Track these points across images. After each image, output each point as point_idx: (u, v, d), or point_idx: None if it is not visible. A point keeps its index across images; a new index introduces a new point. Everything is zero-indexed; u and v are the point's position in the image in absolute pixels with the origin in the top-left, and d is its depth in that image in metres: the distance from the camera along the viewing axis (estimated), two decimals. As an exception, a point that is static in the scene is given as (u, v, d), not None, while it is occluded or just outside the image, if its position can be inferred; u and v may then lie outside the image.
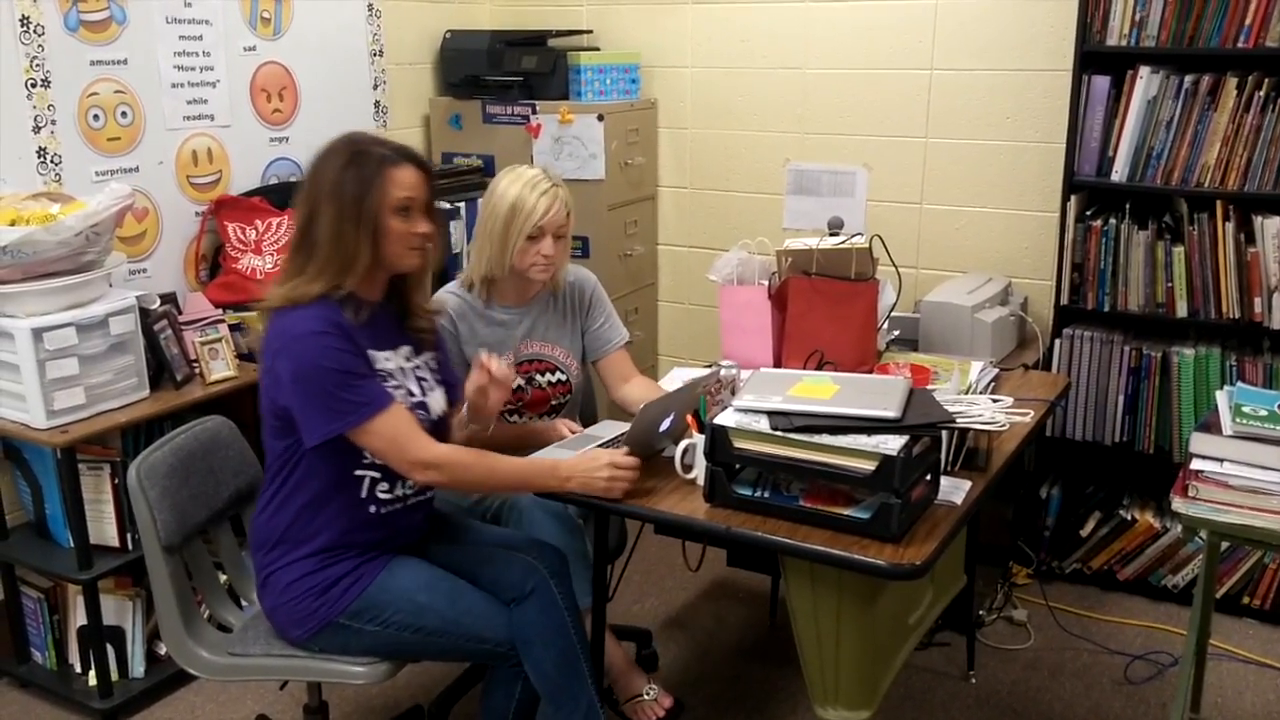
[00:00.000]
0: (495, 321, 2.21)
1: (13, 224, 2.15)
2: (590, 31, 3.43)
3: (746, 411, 1.74)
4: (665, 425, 1.95)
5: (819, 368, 2.19)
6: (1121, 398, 2.74)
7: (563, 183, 2.17)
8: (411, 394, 1.82)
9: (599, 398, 2.55)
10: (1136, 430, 2.76)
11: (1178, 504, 1.78)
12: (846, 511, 1.66)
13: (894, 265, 2.43)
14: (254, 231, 2.74)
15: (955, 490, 1.79)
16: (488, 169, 3.34)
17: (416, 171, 1.76)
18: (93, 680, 2.42)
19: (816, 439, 1.65)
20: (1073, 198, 2.68)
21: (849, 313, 2.28)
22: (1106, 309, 2.71)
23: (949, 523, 1.70)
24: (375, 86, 3.25)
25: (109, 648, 2.42)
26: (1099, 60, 2.63)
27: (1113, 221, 2.67)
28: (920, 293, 2.87)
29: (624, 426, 2.09)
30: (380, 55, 3.25)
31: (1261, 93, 2.46)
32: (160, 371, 2.45)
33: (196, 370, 2.49)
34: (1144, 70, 2.57)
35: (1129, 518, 2.83)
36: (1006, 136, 2.97)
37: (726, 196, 3.40)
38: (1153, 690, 2.46)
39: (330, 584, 1.78)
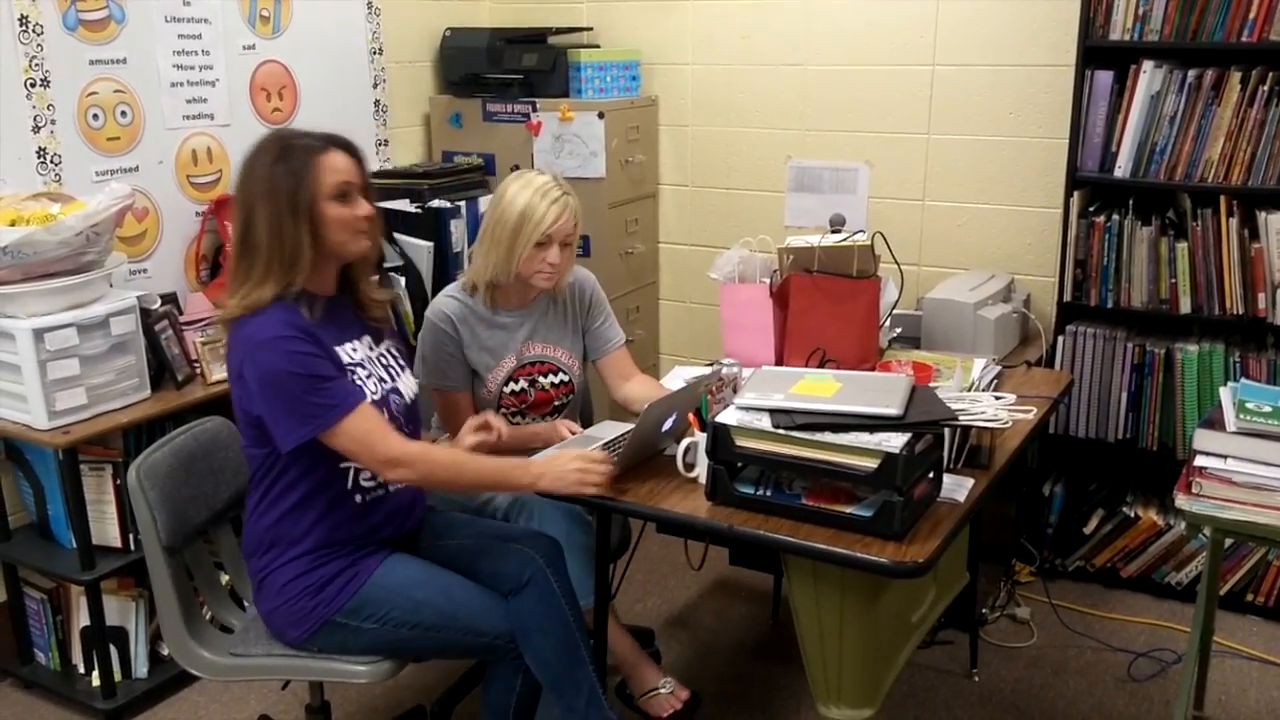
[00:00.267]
0: (497, 325, 2.20)
1: (13, 224, 2.15)
2: (590, 29, 3.43)
3: (748, 410, 1.74)
4: (668, 424, 1.94)
5: (821, 365, 2.18)
6: (1125, 394, 2.73)
7: (572, 190, 2.16)
8: (384, 380, 1.83)
9: (596, 397, 2.55)
10: (1140, 427, 2.75)
11: (1181, 501, 1.77)
12: (849, 509, 1.66)
13: (896, 262, 2.42)
14: (254, 231, 2.74)
15: (958, 488, 1.79)
16: (488, 167, 3.33)
17: (347, 156, 1.75)
18: (96, 681, 2.42)
19: (819, 437, 1.65)
20: (1075, 194, 2.67)
21: (851, 310, 2.27)
22: (1109, 305, 2.70)
23: (951, 520, 1.70)
24: (375, 85, 3.25)
25: (112, 648, 2.42)
26: (1102, 55, 2.62)
27: (1116, 217, 2.66)
28: (922, 290, 2.86)
29: (625, 427, 2.09)
30: (380, 53, 3.24)
31: (1265, 87, 2.45)
32: (161, 372, 2.45)
33: (197, 370, 2.49)
34: (1147, 65, 2.56)
35: (1132, 515, 2.82)
36: (1009, 132, 2.96)
37: (727, 194, 3.39)
38: (1156, 688, 2.45)
39: (325, 582, 1.78)
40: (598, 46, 3.38)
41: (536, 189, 2.11)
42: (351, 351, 1.80)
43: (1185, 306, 2.62)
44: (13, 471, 2.49)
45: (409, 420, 1.89)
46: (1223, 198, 2.53)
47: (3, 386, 2.26)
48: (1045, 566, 2.91)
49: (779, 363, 2.34)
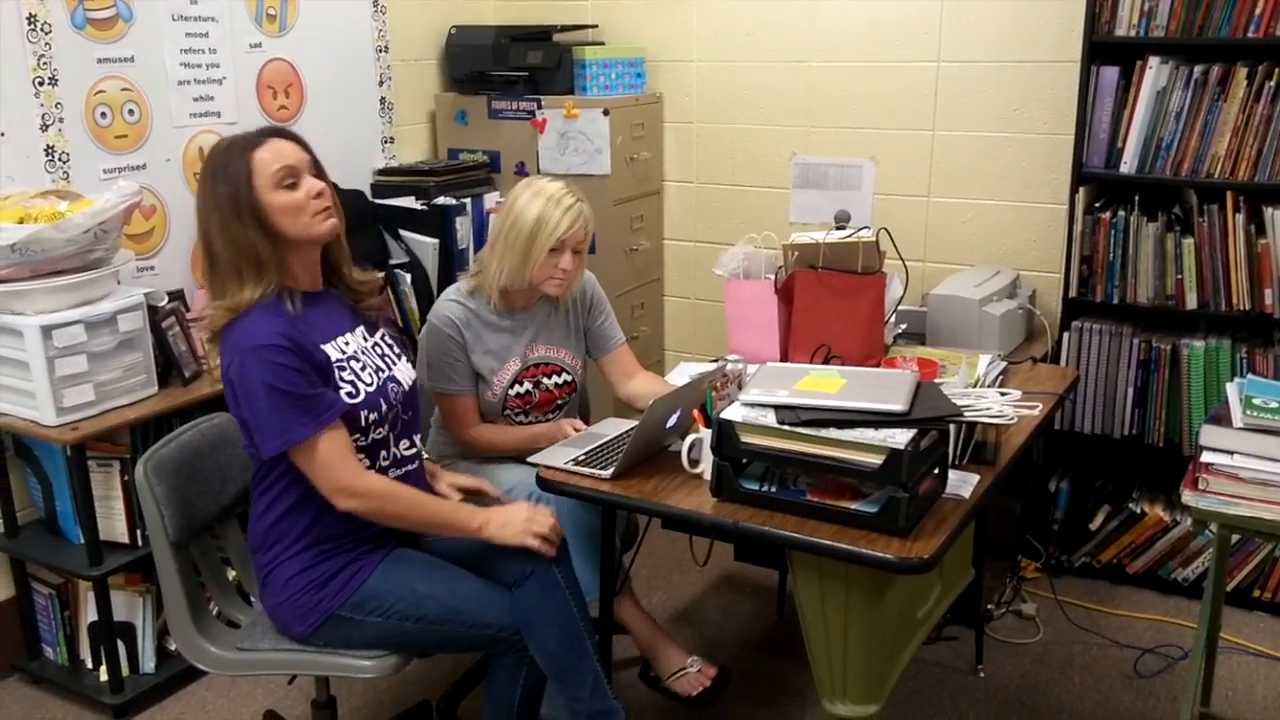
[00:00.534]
0: (501, 328, 2.21)
1: (21, 222, 2.16)
2: (595, 26, 3.43)
3: (753, 406, 1.74)
4: (672, 421, 1.95)
5: (826, 362, 2.18)
6: (1131, 390, 2.73)
7: (584, 197, 2.17)
8: (380, 370, 1.83)
9: (598, 394, 2.55)
10: (1146, 423, 2.74)
11: (1188, 497, 1.77)
12: (854, 506, 1.66)
13: (901, 258, 2.42)
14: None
15: (963, 484, 1.79)
16: (494, 165, 3.34)
17: (282, 142, 1.73)
18: (104, 675, 2.43)
19: (824, 433, 1.65)
20: (1081, 189, 2.67)
21: (856, 306, 2.27)
22: (1115, 301, 2.70)
23: (957, 516, 1.70)
24: (381, 83, 3.25)
25: (120, 643, 2.44)
26: (1107, 51, 2.61)
27: (1121, 213, 2.65)
28: (928, 286, 2.86)
29: (629, 424, 2.10)
30: (385, 51, 3.25)
31: (1272, 83, 2.44)
32: (168, 368, 2.46)
33: (204, 367, 2.50)
34: (1153, 60, 2.55)
35: (1138, 511, 2.82)
36: (1014, 128, 2.95)
37: (732, 191, 3.39)
38: (1163, 684, 2.45)
39: (329, 577, 1.79)
40: (602, 44, 3.38)
41: (550, 197, 2.12)
42: (344, 345, 1.80)
43: (1191, 302, 2.62)
44: (21, 468, 2.50)
45: (408, 407, 1.89)
46: (1229, 193, 2.52)
47: (11, 383, 2.27)
48: (1051, 562, 2.91)
49: (784, 359, 2.34)
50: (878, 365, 2.20)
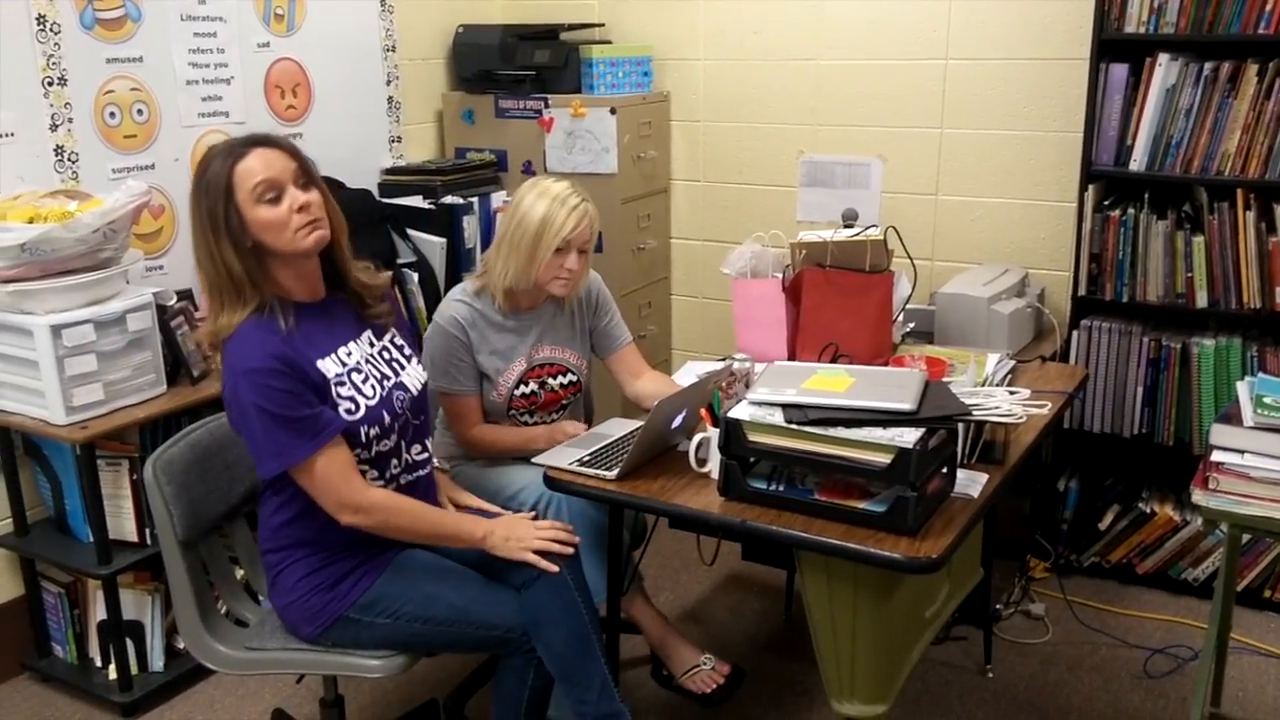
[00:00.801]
0: (506, 329, 2.21)
1: (31, 222, 2.17)
2: (602, 25, 3.43)
3: (761, 405, 1.74)
4: (678, 420, 1.95)
5: (833, 361, 2.18)
6: (1140, 389, 2.72)
7: (589, 197, 2.17)
8: (385, 378, 1.82)
9: (604, 394, 2.55)
10: (1156, 422, 2.73)
11: (1198, 496, 1.76)
12: (862, 505, 1.66)
13: (909, 257, 2.42)
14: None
15: (972, 483, 1.78)
16: (501, 164, 3.34)
17: (266, 151, 1.66)
18: (113, 674, 2.44)
19: (832, 432, 1.64)
20: (1090, 187, 2.66)
21: (864, 305, 2.27)
22: (1125, 300, 2.69)
23: (965, 516, 1.69)
24: (388, 82, 3.26)
25: (129, 642, 2.45)
26: (1117, 48, 2.60)
27: (1131, 211, 2.64)
28: (936, 284, 2.85)
29: (634, 424, 2.10)
30: (393, 51, 3.25)
31: (1282, 80, 2.43)
32: (177, 367, 2.46)
33: (213, 366, 2.50)
34: (1163, 58, 2.54)
35: (1148, 510, 2.81)
36: (1023, 126, 2.94)
37: (740, 189, 3.39)
38: (1172, 684, 2.44)
39: (338, 579, 1.79)
40: (609, 43, 3.38)
41: (555, 197, 2.12)
42: (344, 357, 1.77)
43: (1201, 300, 2.60)
44: (31, 466, 2.51)
45: (418, 413, 1.88)
46: (1239, 191, 2.51)
47: (21, 382, 2.28)
48: (1060, 562, 2.90)
49: (791, 358, 2.33)
50: (886, 364, 2.19)
